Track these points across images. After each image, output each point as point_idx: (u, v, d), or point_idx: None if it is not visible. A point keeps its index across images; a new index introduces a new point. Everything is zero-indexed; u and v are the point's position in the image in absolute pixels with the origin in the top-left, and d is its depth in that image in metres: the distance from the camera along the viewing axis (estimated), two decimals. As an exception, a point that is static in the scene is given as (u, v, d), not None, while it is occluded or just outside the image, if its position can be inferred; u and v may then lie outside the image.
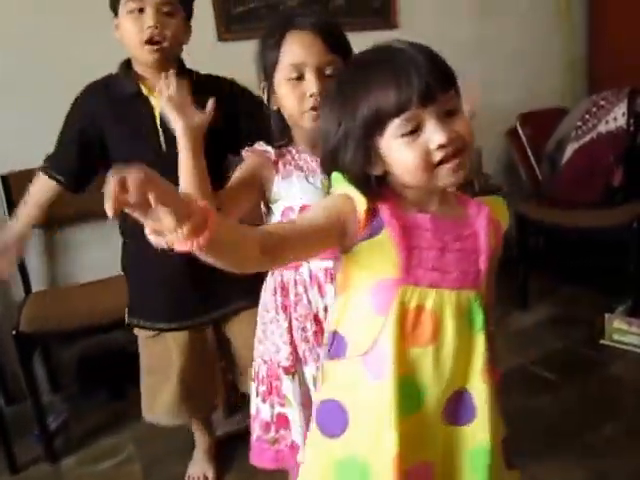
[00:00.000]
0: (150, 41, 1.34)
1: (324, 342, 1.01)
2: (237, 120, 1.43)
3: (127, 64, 1.46)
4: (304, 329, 1.21)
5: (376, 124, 0.83)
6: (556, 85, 3.29)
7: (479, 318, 0.91)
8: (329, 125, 0.88)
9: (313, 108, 1.12)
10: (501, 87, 3.06)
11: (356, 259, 0.89)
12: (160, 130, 1.42)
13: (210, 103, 1.18)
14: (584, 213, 2.53)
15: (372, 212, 0.86)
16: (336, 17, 2.64)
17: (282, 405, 1.25)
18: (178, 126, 1.15)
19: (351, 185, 0.87)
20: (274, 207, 1.20)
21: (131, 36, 1.36)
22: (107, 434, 2.09)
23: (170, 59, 1.40)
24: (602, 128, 2.60)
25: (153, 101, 1.42)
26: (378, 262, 0.87)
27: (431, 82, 0.80)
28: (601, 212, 2.49)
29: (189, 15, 1.43)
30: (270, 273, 1.26)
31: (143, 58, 1.39)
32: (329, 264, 1.17)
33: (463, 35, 2.99)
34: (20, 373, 1.91)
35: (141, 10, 1.33)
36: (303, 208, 1.16)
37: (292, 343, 1.22)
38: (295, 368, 1.22)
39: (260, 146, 1.20)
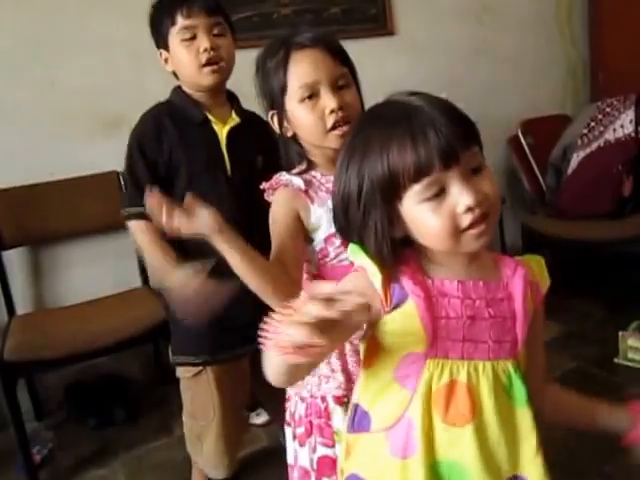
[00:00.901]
0: (208, 63, 1.38)
1: (348, 413, 0.94)
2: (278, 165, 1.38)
3: (181, 91, 1.48)
4: (357, 352, 1.09)
5: (394, 189, 0.77)
6: (557, 92, 3.27)
7: (521, 391, 0.83)
8: (344, 185, 0.82)
9: (336, 124, 1.08)
10: (501, 93, 3.03)
11: (381, 330, 0.83)
12: (226, 155, 1.46)
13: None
14: (593, 225, 2.47)
15: (394, 281, 0.80)
16: (332, 25, 2.65)
17: (327, 445, 1.14)
18: (205, 228, 1.03)
19: (367, 255, 0.81)
20: (315, 236, 1.14)
21: (187, 63, 1.40)
22: (96, 465, 2.01)
23: (225, 81, 1.46)
24: (609, 136, 2.55)
25: (216, 127, 1.46)
26: (403, 334, 0.81)
27: (453, 142, 0.74)
28: (611, 224, 2.43)
29: (233, 32, 1.47)
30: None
31: (202, 82, 1.41)
32: None
33: (462, 42, 2.96)
34: (2, 401, 1.84)
35: (193, 38, 1.38)
36: None
37: (345, 370, 1.13)
38: (349, 397, 1.10)
39: (283, 177, 1.14)
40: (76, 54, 2.26)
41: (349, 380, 1.13)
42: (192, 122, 1.44)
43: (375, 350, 0.86)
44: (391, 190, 0.77)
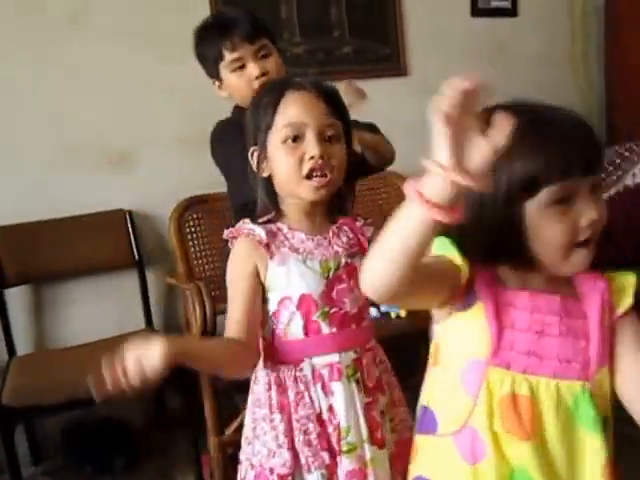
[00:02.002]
0: (257, 79, 1.42)
1: (416, 416, 0.95)
2: None
3: (238, 108, 1.50)
4: (307, 432, 1.08)
5: (530, 186, 0.78)
6: (574, 135, 3.25)
7: (589, 415, 0.82)
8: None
9: (312, 173, 1.05)
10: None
11: (449, 332, 0.86)
12: None
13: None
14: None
15: (469, 282, 0.81)
16: (344, 65, 2.67)
17: None
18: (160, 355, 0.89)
19: (452, 249, 0.81)
20: (270, 295, 1.11)
21: (242, 90, 1.43)
22: (92, 514, 1.96)
23: None
24: (629, 181, 2.53)
25: None
26: (469, 339, 0.83)
27: (593, 151, 0.80)
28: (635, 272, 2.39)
29: (275, 42, 1.51)
30: (261, 365, 1.13)
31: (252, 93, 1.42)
32: (334, 358, 1.10)
33: (476, 82, 2.96)
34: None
35: (242, 67, 1.43)
36: (303, 297, 1.08)
37: (292, 448, 1.08)
38: (294, 476, 1.09)
39: (246, 225, 1.10)
40: (84, 87, 2.27)
41: (295, 457, 1.08)
42: None
43: (441, 352, 0.88)
44: (527, 186, 0.78)
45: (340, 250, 1.12)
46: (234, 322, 1.05)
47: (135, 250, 2.34)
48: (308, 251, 1.10)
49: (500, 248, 0.82)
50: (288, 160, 1.06)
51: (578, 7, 3.18)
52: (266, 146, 1.09)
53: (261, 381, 1.13)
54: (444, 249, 0.82)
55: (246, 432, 1.16)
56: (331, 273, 1.10)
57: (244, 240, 1.10)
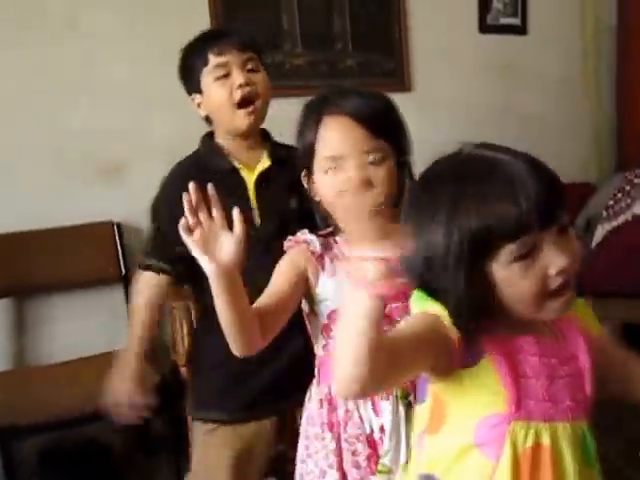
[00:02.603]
0: (243, 102, 1.33)
1: None
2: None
3: (208, 138, 1.44)
4: (355, 452, 1.08)
5: (486, 247, 0.75)
6: (581, 158, 3.19)
7: (592, 450, 0.83)
8: (429, 238, 0.79)
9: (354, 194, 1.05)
10: (524, 156, 2.96)
11: (452, 392, 0.82)
12: (254, 204, 1.38)
13: (235, 214, 0.98)
14: (625, 304, 2.35)
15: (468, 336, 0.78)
16: (347, 78, 2.60)
17: None
18: (210, 269, 0.95)
19: (442, 308, 0.79)
20: (319, 308, 1.11)
21: (221, 102, 1.34)
22: None
23: (261, 122, 1.40)
24: (637, 209, 2.47)
25: (244, 174, 1.39)
26: (480, 396, 0.79)
27: (552, 201, 0.75)
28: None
29: (266, 66, 1.43)
30: (315, 382, 1.16)
31: (236, 124, 1.36)
32: None
33: (483, 100, 2.91)
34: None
35: (226, 75, 1.33)
36: None
37: (340, 468, 1.08)
38: None
39: (303, 235, 1.12)
40: (77, 98, 2.22)
41: (344, 478, 1.10)
42: (218, 171, 1.36)
43: (443, 412, 0.84)
44: (482, 248, 0.75)
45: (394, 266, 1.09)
46: (257, 302, 1.05)
47: (122, 264, 2.27)
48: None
49: (472, 308, 0.78)
50: (329, 189, 1.07)
51: (590, 25, 3.13)
52: (312, 172, 1.10)
53: (314, 398, 1.14)
54: (426, 304, 0.80)
55: (300, 450, 1.17)
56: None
57: (299, 247, 1.11)
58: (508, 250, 0.74)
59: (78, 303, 2.25)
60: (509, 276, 0.76)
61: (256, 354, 1.27)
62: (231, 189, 1.35)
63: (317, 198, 1.12)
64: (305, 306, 1.14)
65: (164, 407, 1.99)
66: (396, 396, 1.07)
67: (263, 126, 1.42)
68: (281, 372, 1.35)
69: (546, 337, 0.83)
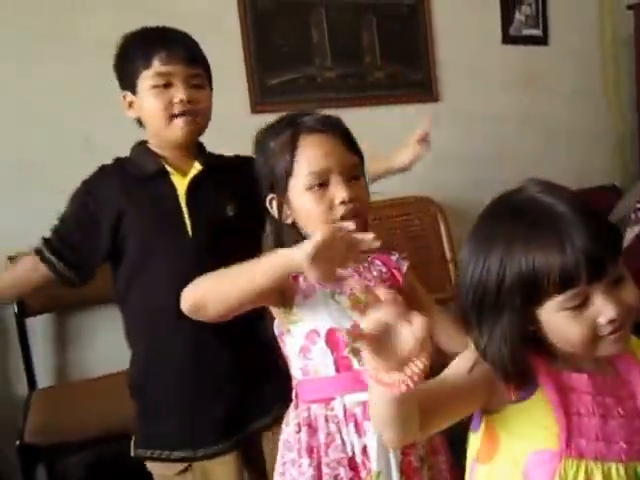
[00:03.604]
0: (180, 115, 1.22)
1: None
2: (257, 209, 1.16)
3: (141, 145, 1.32)
4: (337, 477, 1.00)
5: (536, 293, 0.74)
6: (606, 163, 3.19)
7: None
8: (482, 273, 0.77)
9: (344, 217, 1.00)
10: (549, 164, 2.94)
11: (504, 424, 0.80)
12: (185, 212, 1.24)
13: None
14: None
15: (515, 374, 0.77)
16: (375, 91, 2.59)
17: None
18: (305, 260, 0.88)
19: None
20: (294, 329, 1.04)
21: (156, 113, 1.22)
22: None
23: (197, 136, 1.29)
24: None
25: (175, 180, 1.26)
26: (532, 429, 0.77)
27: (601, 255, 0.72)
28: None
29: (211, 86, 1.32)
30: (293, 405, 1.08)
31: (171, 135, 1.24)
32: (366, 397, 0.97)
33: (508, 111, 2.91)
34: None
35: (166, 85, 1.21)
36: (330, 332, 1.01)
37: None
38: None
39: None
40: (111, 111, 2.17)
41: None
42: (146, 175, 1.26)
43: (494, 444, 0.82)
44: (533, 293, 0.74)
45: (372, 284, 1.06)
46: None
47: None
48: (337, 285, 1.03)
49: (514, 349, 0.77)
50: (317, 208, 1.01)
51: (608, 35, 3.16)
52: (287, 194, 1.03)
53: (291, 423, 1.07)
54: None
55: (275, 477, 1.09)
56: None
57: None
58: (557, 300, 0.73)
59: (117, 316, 2.19)
60: (559, 322, 0.75)
61: (209, 385, 1.24)
62: (159, 193, 1.25)
63: (289, 220, 1.05)
64: (279, 327, 1.08)
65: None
66: None
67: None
68: (236, 401, 1.27)
69: (602, 375, 0.81)
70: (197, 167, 1.26)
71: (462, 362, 0.80)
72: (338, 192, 1.00)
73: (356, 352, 0.68)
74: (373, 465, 1.00)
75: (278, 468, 1.08)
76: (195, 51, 1.27)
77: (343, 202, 1.00)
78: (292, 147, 1.01)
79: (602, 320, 0.74)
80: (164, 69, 1.21)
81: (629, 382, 0.81)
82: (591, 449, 0.77)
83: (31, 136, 2.06)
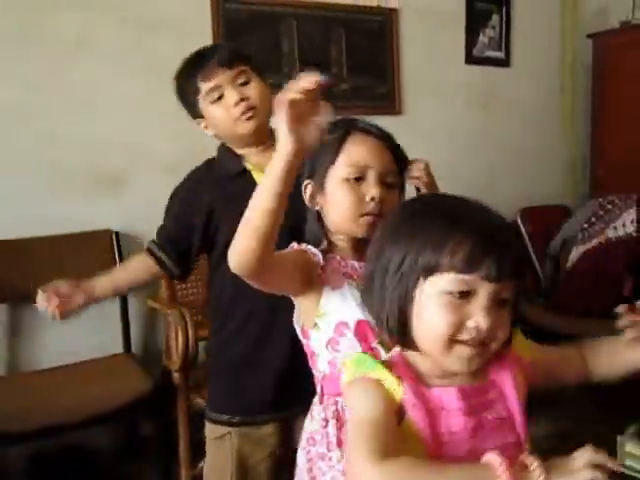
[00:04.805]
0: (243, 115, 1.30)
1: None
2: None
3: (223, 147, 1.41)
4: None
5: (433, 268, 0.73)
6: (557, 183, 3.26)
7: None
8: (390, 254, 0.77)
9: (370, 213, 1.03)
10: (502, 180, 3.00)
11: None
12: None
13: (323, 104, 0.87)
14: (592, 323, 2.36)
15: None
16: (341, 101, 2.61)
17: None
18: (289, 145, 0.84)
19: (379, 367, 0.76)
20: (321, 322, 1.04)
21: (222, 120, 1.32)
22: None
23: (264, 124, 1.34)
24: (610, 233, 2.51)
25: (256, 176, 1.33)
26: (407, 451, 0.70)
27: (506, 260, 0.72)
28: (610, 323, 2.33)
29: (263, 75, 1.38)
30: (318, 400, 1.09)
31: (240, 131, 1.33)
32: None
33: (466, 126, 2.96)
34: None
35: (220, 97, 1.30)
36: (360, 323, 1.01)
37: None
38: None
39: (307, 248, 1.07)
40: (80, 109, 2.17)
41: None
42: (231, 175, 1.36)
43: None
44: (431, 262, 0.73)
45: None
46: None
47: (119, 272, 2.19)
48: (362, 278, 1.03)
49: (405, 326, 0.76)
50: (348, 198, 1.04)
51: (567, 62, 3.23)
52: (325, 182, 1.07)
53: (316, 418, 1.08)
54: (367, 367, 0.77)
55: (300, 474, 1.09)
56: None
57: (306, 251, 1.05)
58: (450, 279, 0.72)
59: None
60: (430, 305, 0.74)
61: (261, 358, 1.31)
62: (243, 190, 1.27)
63: (317, 207, 1.09)
64: (306, 320, 1.08)
65: (155, 412, 1.93)
66: None
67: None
68: (285, 380, 1.33)
69: (470, 382, 0.78)
70: None
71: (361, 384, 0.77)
72: (371, 189, 1.03)
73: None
74: None
75: (302, 465, 1.08)
76: (228, 53, 1.33)
77: (372, 199, 1.03)
78: (341, 140, 1.05)
79: (471, 323, 0.72)
80: (209, 85, 1.30)
81: (499, 383, 0.79)
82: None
83: None
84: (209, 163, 1.42)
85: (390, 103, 2.75)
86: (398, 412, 0.73)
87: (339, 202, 1.05)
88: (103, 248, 2.18)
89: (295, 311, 1.11)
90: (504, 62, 3.03)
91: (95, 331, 2.18)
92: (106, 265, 2.12)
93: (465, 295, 0.72)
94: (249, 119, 1.30)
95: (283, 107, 0.81)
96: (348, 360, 0.81)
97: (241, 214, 1.25)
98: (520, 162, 3.05)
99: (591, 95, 3.20)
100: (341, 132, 1.06)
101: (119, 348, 2.19)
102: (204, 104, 1.32)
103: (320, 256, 1.05)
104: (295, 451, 1.17)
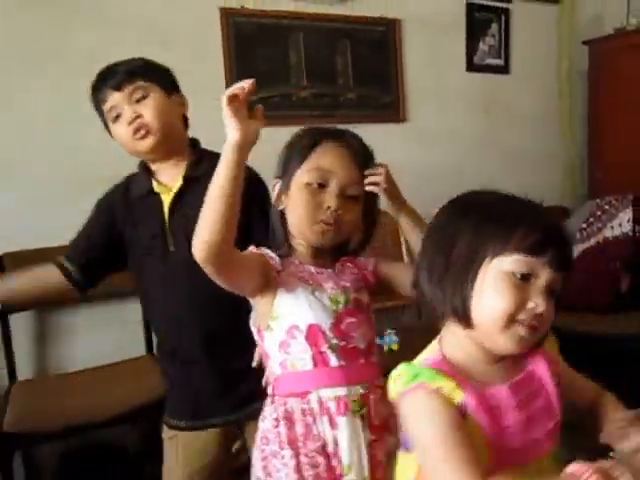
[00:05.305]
0: (136, 132, 1.26)
1: None
2: (250, 216, 1.21)
3: (141, 163, 1.37)
4: (315, 465, 1.03)
5: (501, 246, 0.78)
6: (556, 185, 3.31)
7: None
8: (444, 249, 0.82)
9: (324, 222, 1.05)
10: (503, 182, 2.99)
11: None
12: (167, 228, 1.29)
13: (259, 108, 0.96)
14: (589, 318, 2.44)
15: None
16: (347, 110, 2.68)
17: None
18: (235, 134, 0.92)
19: (438, 377, 0.78)
20: (274, 324, 1.06)
21: (123, 139, 1.29)
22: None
23: (169, 140, 1.29)
24: (607, 233, 2.57)
25: (164, 199, 1.30)
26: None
27: (567, 251, 0.79)
28: (609, 318, 2.41)
29: (170, 88, 1.33)
30: (269, 400, 1.10)
31: (139, 150, 1.29)
32: (342, 392, 1.05)
33: (468, 132, 3.01)
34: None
35: (118, 116, 1.27)
36: (312, 327, 1.04)
37: None
38: None
39: (265, 252, 1.07)
40: (95, 122, 2.21)
41: None
42: (140, 194, 1.32)
43: None
44: (498, 242, 0.77)
45: (348, 284, 1.10)
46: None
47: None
48: (317, 283, 1.08)
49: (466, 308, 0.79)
50: (307, 203, 1.06)
51: (565, 68, 3.27)
52: (290, 183, 1.09)
53: (268, 417, 1.09)
54: (428, 378, 0.78)
55: (256, 472, 1.10)
56: (340, 307, 1.07)
57: (263, 254, 1.06)
58: (515, 260, 0.76)
59: (96, 315, 2.25)
60: (499, 283, 0.77)
61: (207, 362, 1.29)
62: (149, 211, 1.31)
63: (281, 207, 1.11)
64: (261, 322, 1.08)
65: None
66: (352, 411, 1.05)
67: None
68: (232, 383, 1.31)
69: (514, 377, 0.82)
70: (177, 183, 1.29)
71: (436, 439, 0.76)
72: (330, 198, 1.05)
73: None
74: (344, 458, 1.03)
75: (258, 463, 1.09)
76: (126, 71, 1.28)
77: (329, 208, 1.05)
78: (313, 146, 1.08)
79: (531, 304, 0.76)
80: (107, 106, 1.27)
81: (537, 372, 0.84)
82: (517, 458, 0.79)
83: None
84: (126, 181, 1.38)
85: (395, 111, 2.80)
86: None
87: (298, 206, 1.06)
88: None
89: (252, 312, 1.11)
90: (504, 69, 3.08)
91: (118, 335, 2.25)
92: (123, 272, 2.20)
93: (526, 278, 0.77)
94: (142, 137, 1.26)
95: (224, 103, 0.90)
96: (401, 370, 0.82)
97: (144, 236, 1.29)
98: (521, 165, 3.10)
99: (588, 99, 3.25)
100: (315, 139, 1.09)
101: (141, 350, 2.25)
102: (108, 123, 1.30)
103: (277, 260, 1.06)
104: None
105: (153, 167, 1.34)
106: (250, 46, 2.47)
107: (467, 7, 2.95)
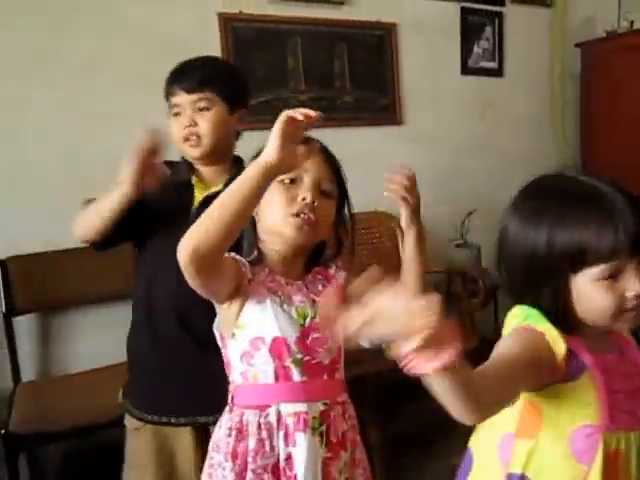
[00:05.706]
0: (187, 139, 1.32)
1: None
2: None
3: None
4: None
5: (578, 263, 0.80)
6: (551, 187, 3.31)
7: None
8: (532, 243, 0.83)
9: (300, 213, 1.02)
10: (498, 183, 3.06)
11: (549, 401, 0.84)
12: (191, 221, 1.30)
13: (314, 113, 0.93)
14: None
15: (569, 354, 0.82)
16: (344, 113, 2.69)
17: None
18: (272, 154, 0.89)
19: (546, 322, 0.83)
20: (239, 333, 1.03)
21: (174, 135, 1.34)
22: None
23: (216, 152, 1.35)
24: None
25: (197, 193, 1.35)
26: (578, 407, 0.83)
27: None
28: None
29: (235, 104, 1.36)
30: (228, 408, 1.08)
31: (186, 153, 1.37)
32: (302, 408, 1.02)
33: (464, 135, 3.03)
34: (3, 472, 1.74)
35: (178, 114, 1.33)
36: (276, 340, 1.01)
37: None
38: None
39: (238, 258, 1.04)
40: (97, 128, 2.23)
41: None
42: (178, 180, 1.36)
43: (538, 419, 0.85)
44: (575, 263, 0.80)
45: (318, 299, 1.07)
46: None
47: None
48: (286, 295, 1.05)
49: (569, 315, 0.83)
50: (281, 197, 1.03)
51: (557, 70, 3.29)
52: None
53: (223, 426, 1.07)
54: (534, 319, 0.83)
55: (203, 478, 1.09)
56: (307, 321, 1.05)
57: (237, 260, 1.03)
58: (597, 269, 0.79)
59: (99, 317, 2.26)
60: (591, 292, 0.81)
61: (177, 362, 1.29)
62: (181, 200, 1.34)
63: (253, 213, 1.05)
64: (224, 329, 1.06)
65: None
66: (312, 427, 1.03)
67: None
68: (201, 385, 1.29)
69: (615, 354, 0.88)
70: (218, 186, 1.30)
71: (521, 334, 0.83)
72: (304, 190, 1.03)
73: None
74: (299, 476, 1.01)
75: (206, 469, 1.08)
76: (201, 77, 1.31)
77: (304, 199, 1.03)
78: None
79: (629, 293, 0.80)
80: (173, 101, 1.34)
81: (632, 358, 0.89)
82: (622, 421, 0.83)
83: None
84: (173, 163, 1.40)
85: (391, 114, 2.82)
86: (554, 370, 0.80)
87: (271, 202, 1.04)
88: (123, 257, 2.25)
89: (217, 317, 1.08)
90: (498, 72, 3.11)
91: (121, 337, 2.24)
92: (131, 274, 2.21)
93: (616, 275, 0.80)
94: (192, 146, 1.32)
95: (281, 120, 0.88)
96: (517, 311, 0.87)
97: (168, 220, 1.27)
98: (514, 166, 3.12)
99: (580, 101, 3.28)
100: None
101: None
102: (169, 112, 1.36)
103: (248, 267, 1.03)
104: None
105: (195, 164, 1.40)
106: (248, 51, 2.49)
107: (461, 11, 2.97)
